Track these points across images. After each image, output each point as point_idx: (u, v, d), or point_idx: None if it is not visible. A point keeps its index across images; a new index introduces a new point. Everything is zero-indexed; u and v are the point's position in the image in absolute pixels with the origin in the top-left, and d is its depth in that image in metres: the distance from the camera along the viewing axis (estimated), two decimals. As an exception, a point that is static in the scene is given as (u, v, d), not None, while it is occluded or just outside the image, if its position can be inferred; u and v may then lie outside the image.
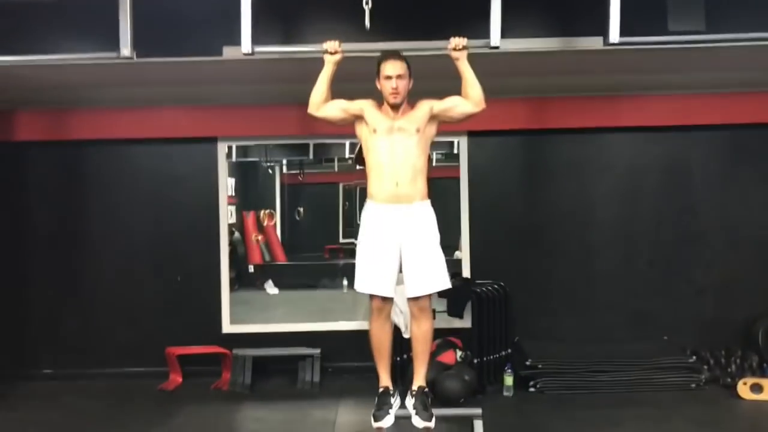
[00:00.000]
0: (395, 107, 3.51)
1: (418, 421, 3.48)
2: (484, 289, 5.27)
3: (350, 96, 3.59)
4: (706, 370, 5.19)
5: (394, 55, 3.52)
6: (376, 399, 3.59)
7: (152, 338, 5.58)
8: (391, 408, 3.55)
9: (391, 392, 3.61)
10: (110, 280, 5.75)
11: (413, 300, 3.53)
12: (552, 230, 5.75)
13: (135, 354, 5.65)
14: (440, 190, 5.69)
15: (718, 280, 5.67)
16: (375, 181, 3.52)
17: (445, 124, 3.63)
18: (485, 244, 5.68)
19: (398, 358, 4.84)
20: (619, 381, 5.06)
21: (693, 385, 5.06)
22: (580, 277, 5.71)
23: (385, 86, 3.50)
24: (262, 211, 8.74)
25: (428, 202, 3.55)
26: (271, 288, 8.02)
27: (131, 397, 5.14)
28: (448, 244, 5.80)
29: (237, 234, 8.17)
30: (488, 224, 5.71)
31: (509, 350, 5.28)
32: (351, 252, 7.66)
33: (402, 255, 3.49)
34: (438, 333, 5.14)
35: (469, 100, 3.49)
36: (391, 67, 3.47)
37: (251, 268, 8.36)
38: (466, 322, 5.34)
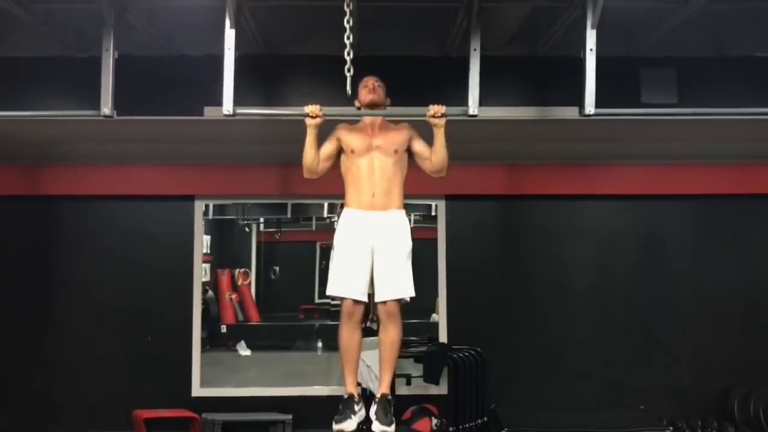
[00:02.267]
0: (372, 106, 3.60)
1: (377, 426, 3.39)
2: (460, 354, 5.20)
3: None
4: (682, 441, 5.15)
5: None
6: (340, 404, 3.49)
7: (120, 400, 5.41)
8: (354, 414, 3.45)
9: (356, 399, 3.52)
10: (78, 338, 5.60)
11: (381, 304, 3.52)
12: (528, 296, 5.75)
13: (101, 416, 5.46)
14: (417, 250, 5.71)
15: (694, 349, 5.67)
16: (352, 192, 3.57)
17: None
18: (462, 308, 5.66)
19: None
20: (595, 451, 4.97)
21: (670, 456, 4.99)
22: (556, 344, 5.68)
23: (362, 91, 3.64)
24: (237, 270, 8.66)
25: (403, 211, 3.59)
26: (243, 349, 7.89)
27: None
28: (425, 306, 5.78)
29: (210, 293, 8.07)
30: (465, 288, 5.69)
31: (485, 418, 5.18)
32: (327, 312, 7.63)
33: (374, 260, 3.51)
34: (413, 399, 5.09)
35: (431, 164, 3.58)
36: (369, 78, 3.66)
37: (224, 328, 8.23)
38: (442, 389, 5.27)
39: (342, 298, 3.51)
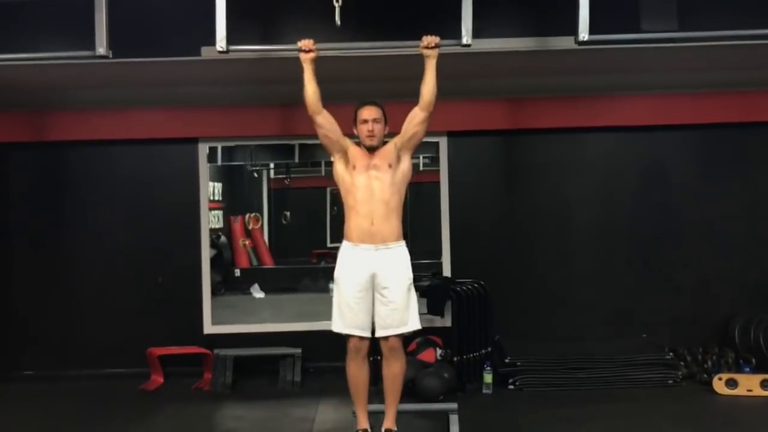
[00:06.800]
0: (371, 149, 3.64)
1: None
2: (464, 287, 5.29)
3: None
4: (683, 367, 5.23)
5: (370, 101, 3.70)
6: None
7: (133, 339, 5.57)
8: None
9: None
10: (91, 281, 5.75)
11: (383, 340, 3.62)
12: (531, 229, 5.79)
13: (116, 355, 5.64)
14: (426, 193, 5.78)
15: (695, 279, 5.71)
16: (351, 219, 3.64)
17: (415, 146, 3.74)
18: (465, 243, 5.71)
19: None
20: (596, 378, 5.08)
21: (670, 381, 5.09)
22: (559, 276, 5.74)
23: (362, 129, 3.66)
24: (247, 215, 8.76)
25: (403, 243, 3.66)
26: (257, 292, 8.04)
27: (112, 398, 5.13)
28: (433, 249, 5.86)
29: (224, 238, 8.19)
30: (468, 224, 5.74)
31: (489, 348, 5.30)
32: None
33: (374, 295, 3.60)
34: (419, 332, 5.19)
35: (420, 101, 3.60)
36: (367, 112, 3.65)
37: (238, 273, 8.37)
38: (446, 321, 5.37)
39: (347, 336, 3.61)
